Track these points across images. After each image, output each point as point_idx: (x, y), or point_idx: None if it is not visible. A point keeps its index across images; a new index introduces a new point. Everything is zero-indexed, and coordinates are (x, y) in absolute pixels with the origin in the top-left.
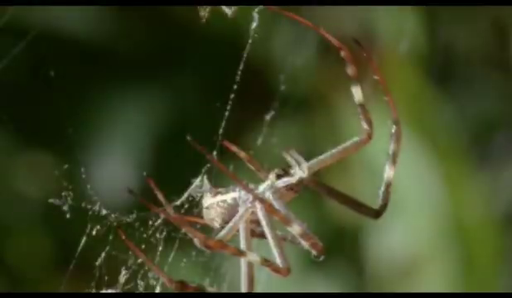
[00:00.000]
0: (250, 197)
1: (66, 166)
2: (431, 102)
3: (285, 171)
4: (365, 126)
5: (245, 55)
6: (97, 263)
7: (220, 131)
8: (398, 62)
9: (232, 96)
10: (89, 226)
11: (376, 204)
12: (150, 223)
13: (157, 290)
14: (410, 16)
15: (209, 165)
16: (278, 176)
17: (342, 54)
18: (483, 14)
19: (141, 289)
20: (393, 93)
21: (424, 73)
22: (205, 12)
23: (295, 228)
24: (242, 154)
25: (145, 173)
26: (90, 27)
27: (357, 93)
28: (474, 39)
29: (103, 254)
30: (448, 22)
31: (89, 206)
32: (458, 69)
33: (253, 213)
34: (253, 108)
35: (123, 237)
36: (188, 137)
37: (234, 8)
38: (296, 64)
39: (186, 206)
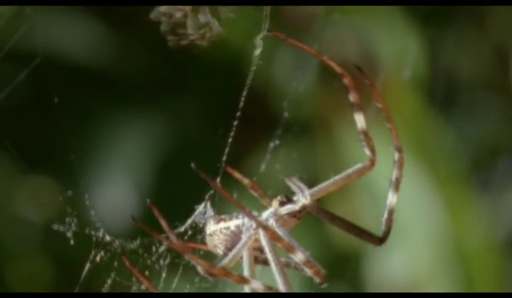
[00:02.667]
0: (253, 224)
1: (70, 192)
2: (432, 127)
3: (288, 199)
4: (368, 153)
5: (248, 82)
6: (102, 290)
7: (224, 157)
8: (400, 87)
9: (235, 123)
10: (92, 252)
11: (379, 230)
12: (154, 249)
13: None
14: (412, 41)
15: (212, 191)
16: (281, 203)
17: (345, 81)
18: (485, 39)
19: None
20: (395, 119)
21: (426, 98)
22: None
23: (298, 256)
24: (245, 181)
25: (148, 199)
26: (92, 53)
27: (360, 120)
28: (476, 64)
29: (108, 281)
30: (450, 48)
31: (92, 232)
32: (460, 95)
33: (257, 240)
34: (256, 134)
35: (127, 263)
36: (192, 164)
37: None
38: (298, 89)
39: (190, 233)
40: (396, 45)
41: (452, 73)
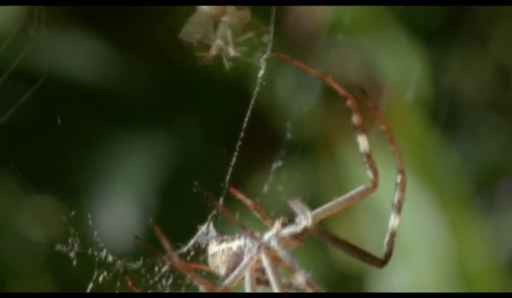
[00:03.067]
0: (256, 245)
1: (73, 212)
2: (436, 148)
3: (290, 220)
4: (371, 175)
5: (252, 103)
6: None
7: (227, 177)
8: (403, 108)
9: (239, 143)
10: (95, 272)
11: (381, 252)
12: (156, 269)
13: None
14: (415, 62)
15: (215, 211)
16: (284, 225)
17: (348, 103)
18: (488, 59)
19: None
20: (398, 140)
21: (429, 119)
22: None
23: (300, 278)
24: (248, 201)
25: (151, 219)
26: (96, 72)
27: (363, 142)
28: (479, 85)
29: None
30: (453, 68)
31: (95, 252)
32: (463, 115)
33: (259, 261)
34: (258, 155)
35: (130, 283)
36: (195, 184)
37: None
38: (302, 110)
39: (192, 253)
40: (399, 65)
41: (456, 93)
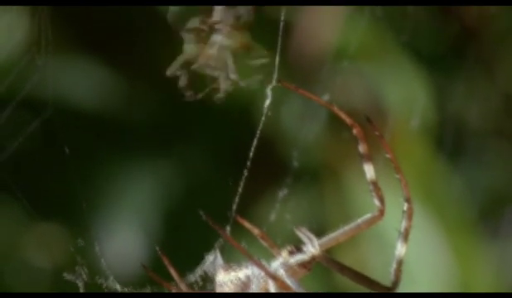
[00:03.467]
0: (263, 274)
1: (80, 241)
2: (440, 175)
3: (297, 248)
4: (377, 203)
5: (258, 133)
6: None
7: (233, 206)
8: (408, 135)
9: (245, 172)
10: None
11: (388, 280)
12: None
13: None
14: (420, 89)
15: (222, 239)
16: (291, 253)
17: (354, 132)
18: (493, 86)
19: None
20: (403, 168)
21: (434, 146)
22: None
23: None
24: (255, 230)
25: (158, 248)
26: (102, 101)
27: (369, 170)
28: (484, 111)
29: None
30: (458, 95)
31: (102, 281)
32: (468, 142)
33: (266, 289)
34: (264, 183)
35: None
36: (201, 213)
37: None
38: (308, 138)
39: (199, 281)
40: (404, 92)
41: (461, 120)
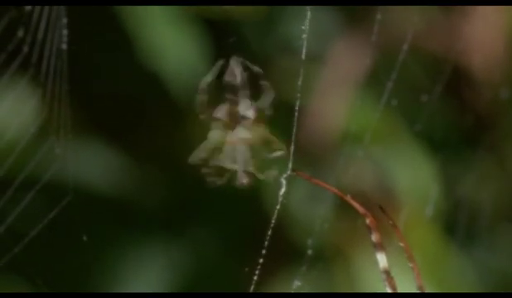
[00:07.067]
0: None
1: None
2: (453, 263)
3: None
4: (390, 291)
5: (273, 221)
6: None
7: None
8: (419, 223)
9: (261, 260)
10: None
11: None
12: None
13: None
14: (432, 176)
15: None
16: None
17: (367, 221)
18: (505, 174)
19: None
20: (416, 255)
21: (446, 234)
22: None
23: None
24: None
25: None
26: (111, 183)
27: (382, 259)
28: (497, 197)
29: None
30: (470, 181)
31: None
32: (480, 230)
33: None
34: (277, 268)
35: None
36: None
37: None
38: (320, 224)
39: None
40: (416, 179)
41: (473, 208)
